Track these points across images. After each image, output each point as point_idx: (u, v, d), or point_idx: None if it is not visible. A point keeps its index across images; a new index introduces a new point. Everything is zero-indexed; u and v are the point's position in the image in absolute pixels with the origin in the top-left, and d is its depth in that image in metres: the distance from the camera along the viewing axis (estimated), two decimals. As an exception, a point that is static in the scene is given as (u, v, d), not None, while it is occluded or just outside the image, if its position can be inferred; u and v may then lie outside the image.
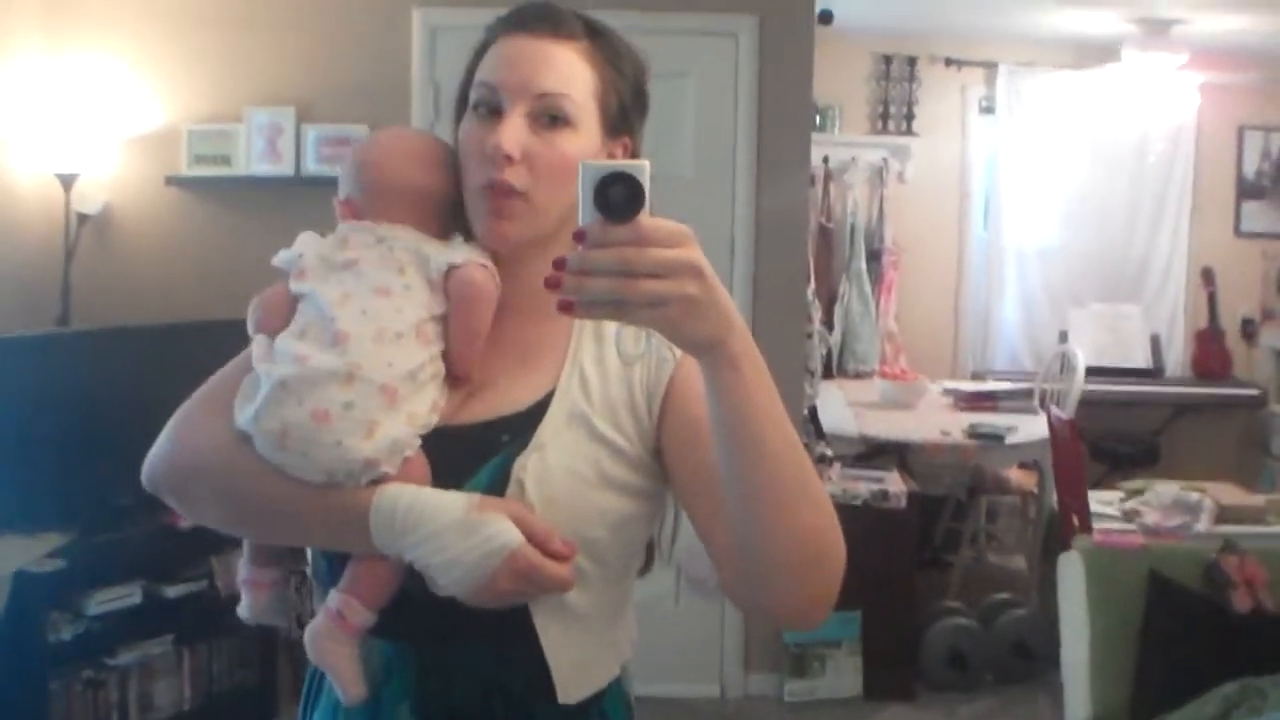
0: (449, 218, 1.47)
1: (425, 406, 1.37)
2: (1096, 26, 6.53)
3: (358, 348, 1.34)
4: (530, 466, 1.35)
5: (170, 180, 4.57)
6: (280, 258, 1.45)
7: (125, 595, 3.96)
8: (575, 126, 1.40)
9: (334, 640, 1.37)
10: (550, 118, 1.39)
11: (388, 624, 1.38)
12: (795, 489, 1.21)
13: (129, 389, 4.13)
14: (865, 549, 4.55)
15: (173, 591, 4.10)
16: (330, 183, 4.32)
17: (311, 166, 4.54)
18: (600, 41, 1.45)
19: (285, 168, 4.54)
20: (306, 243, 1.46)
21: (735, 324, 1.13)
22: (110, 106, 4.49)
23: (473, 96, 1.42)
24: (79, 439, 4.01)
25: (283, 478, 1.34)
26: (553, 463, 1.36)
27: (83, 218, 4.47)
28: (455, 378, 1.42)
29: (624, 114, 1.47)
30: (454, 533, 1.28)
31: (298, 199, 4.47)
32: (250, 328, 1.45)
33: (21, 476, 3.90)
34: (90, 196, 4.47)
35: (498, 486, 1.35)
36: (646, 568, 1.55)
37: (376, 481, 1.33)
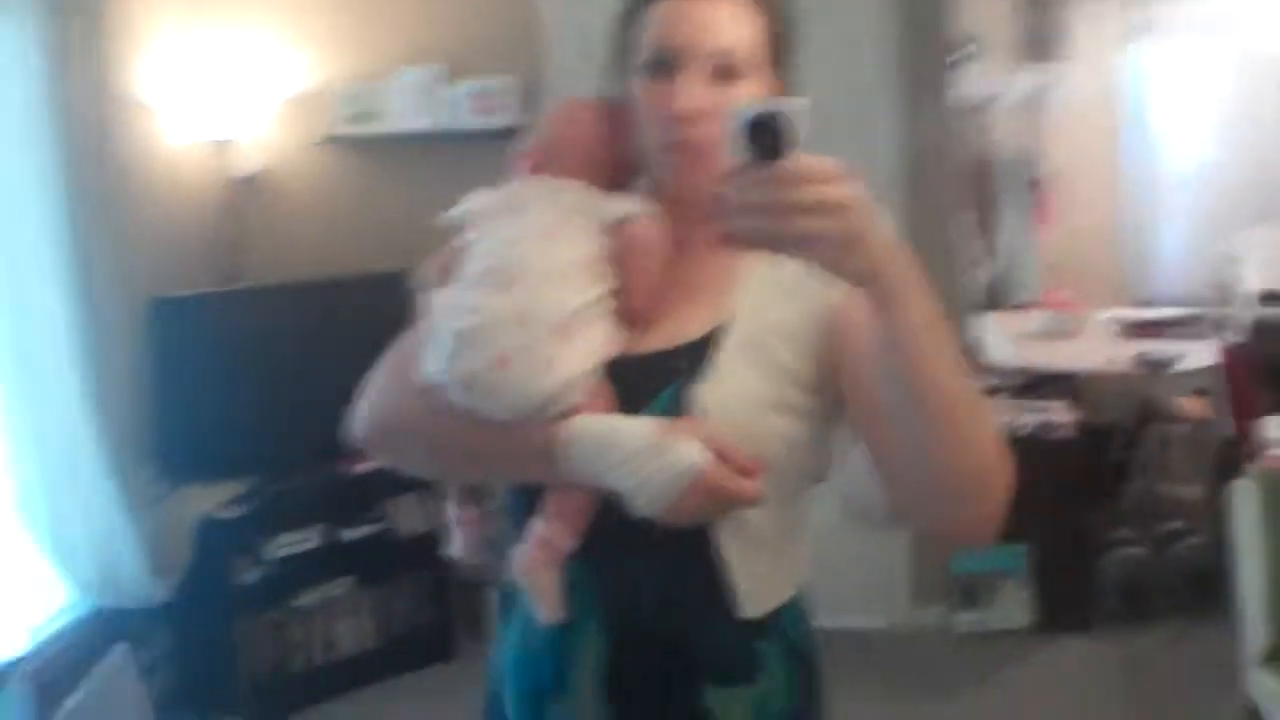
0: (619, 185, 1.54)
1: (600, 339, 1.42)
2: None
3: (528, 288, 1.40)
4: (707, 392, 1.40)
5: (324, 140, 4.67)
6: (449, 215, 1.52)
7: (304, 540, 4.12)
8: (747, 76, 1.46)
9: (541, 565, 1.43)
10: (724, 73, 1.45)
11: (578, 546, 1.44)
12: (960, 416, 1.23)
13: (297, 341, 4.28)
14: (1031, 481, 4.48)
15: (350, 535, 4.25)
16: (480, 135, 4.41)
17: (461, 120, 4.59)
18: None
19: (435, 122, 4.60)
20: (476, 197, 1.53)
21: (893, 257, 1.15)
22: (261, 71, 4.61)
23: (645, 56, 1.48)
24: (252, 391, 4.16)
25: (477, 421, 1.41)
26: (729, 388, 1.40)
27: (242, 179, 4.59)
28: (631, 321, 1.46)
29: (786, 52, 1.53)
30: (645, 455, 1.33)
31: (448, 153, 4.55)
32: (428, 286, 1.52)
33: (201, 429, 4.07)
34: (248, 158, 4.59)
35: (675, 412, 1.40)
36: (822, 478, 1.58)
37: (566, 414, 1.39)
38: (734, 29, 1.46)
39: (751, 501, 1.36)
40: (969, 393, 1.25)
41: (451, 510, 1.65)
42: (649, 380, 1.43)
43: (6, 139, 3.45)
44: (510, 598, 1.55)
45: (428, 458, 1.53)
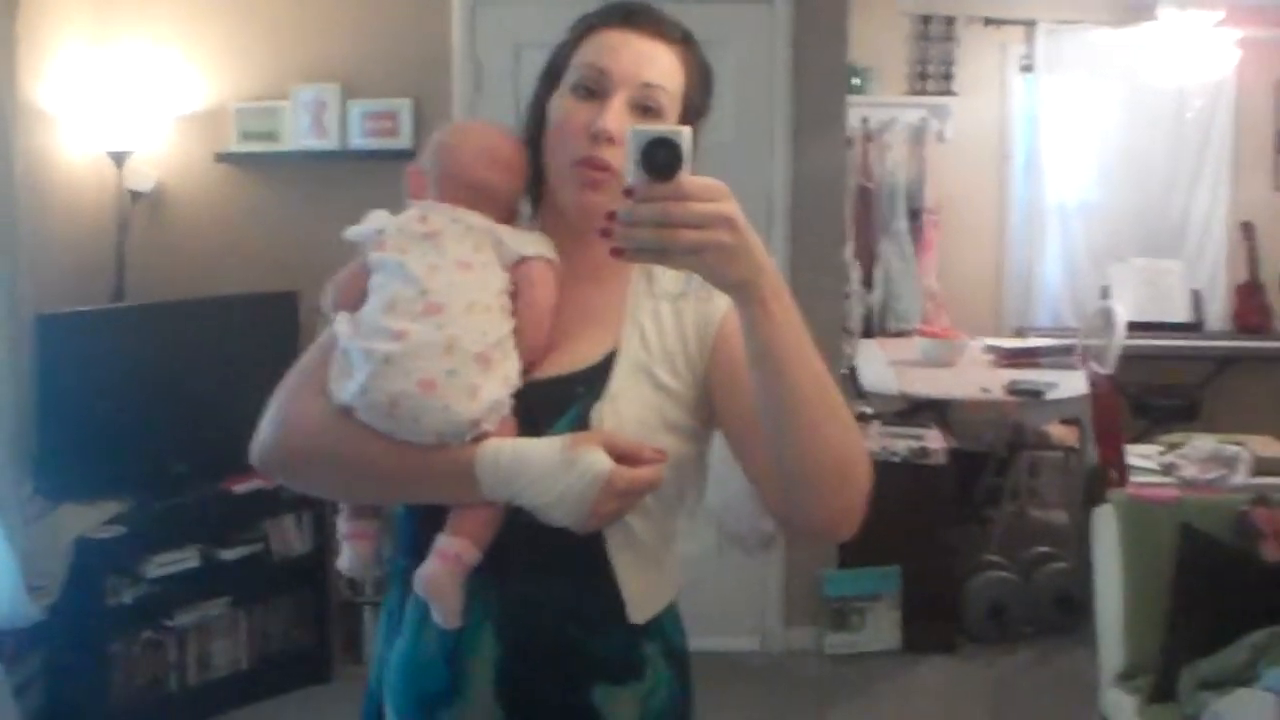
0: (510, 213, 1.62)
1: (514, 369, 1.52)
2: (1133, -17, 6.51)
3: (452, 319, 1.48)
4: (605, 414, 1.51)
5: (220, 157, 4.68)
6: (354, 231, 1.59)
7: (182, 559, 4.10)
8: (665, 117, 1.56)
9: (447, 578, 1.50)
10: (645, 107, 1.55)
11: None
12: (823, 412, 1.36)
13: (182, 361, 4.27)
14: (904, 505, 4.71)
15: (229, 555, 4.23)
16: (374, 156, 4.46)
17: (356, 141, 4.63)
18: (691, 46, 1.63)
19: (331, 143, 4.64)
20: (383, 218, 1.59)
21: (766, 268, 1.29)
22: (160, 86, 4.60)
23: (574, 76, 1.57)
24: (135, 410, 4.14)
25: (391, 444, 1.48)
26: (623, 410, 1.52)
27: (135, 195, 4.58)
28: (525, 354, 1.55)
29: (696, 111, 1.63)
30: (557, 471, 1.43)
31: (343, 173, 4.57)
32: (328, 307, 1.60)
33: (81, 447, 4.04)
34: (142, 174, 4.58)
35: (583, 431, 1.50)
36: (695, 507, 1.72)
37: (480, 438, 1.47)
38: (667, 69, 1.57)
39: (655, 488, 1.48)
40: (832, 392, 1.37)
41: (343, 525, 1.68)
42: (552, 404, 1.52)
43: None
44: (396, 611, 1.62)
45: (335, 480, 1.58)
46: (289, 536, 4.37)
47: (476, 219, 1.56)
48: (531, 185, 1.65)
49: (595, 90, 1.55)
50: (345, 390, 1.49)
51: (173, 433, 4.21)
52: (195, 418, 4.20)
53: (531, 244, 1.57)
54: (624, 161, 1.46)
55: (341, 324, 1.53)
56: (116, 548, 3.95)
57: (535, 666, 1.53)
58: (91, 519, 3.95)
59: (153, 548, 4.04)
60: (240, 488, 4.22)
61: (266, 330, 4.28)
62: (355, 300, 1.55)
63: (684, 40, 1.62)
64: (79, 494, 4.00)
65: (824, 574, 4.77)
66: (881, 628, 4.77)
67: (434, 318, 1.48)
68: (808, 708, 4.40)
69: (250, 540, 4.30)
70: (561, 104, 1.58)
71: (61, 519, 3.90)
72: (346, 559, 1.68)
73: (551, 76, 1.62)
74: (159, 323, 4.30)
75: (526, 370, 1.54)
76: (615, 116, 1.52)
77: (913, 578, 4.78)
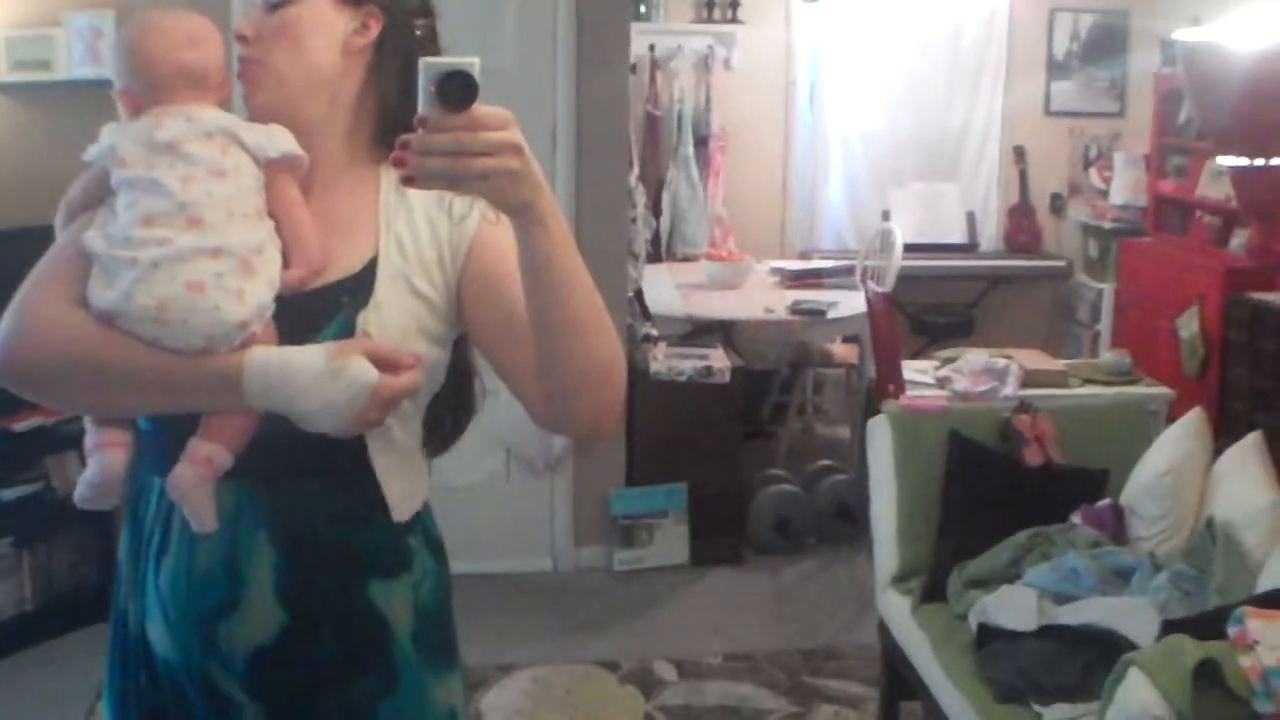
0: (226, 90, 1.62)
1: (276, 273, 1.53)
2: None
3: (214, 228, 1.48)
4: (370, 321, 1.55)
5: (-10, 86, 4.48)
6: (92, 152, 1.55)
7: (-41, 499, 3.97)
8: (299, 2, 1.59)
9: (197, 481, 1.51)
10: (271, 5, 1.59)
11: (240, 467, 1.54)
12: (591, 321, 1.46)
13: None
14: (690, 423, 4.83)
15: (8, 494, 4.11)
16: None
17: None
18: None
19: (106, 70, 4.46)
20: (114, 132, 1.55)
21: (543, 188, 1.36)
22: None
23: None
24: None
25: (155, 351, 1.48)
26: (386, 318, 1.55)
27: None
28: (306, 276, 1.56)
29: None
30: (324, 380, 1.46)
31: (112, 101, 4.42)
32: (62, 218, 1.58)
33: None
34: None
35: (344, 340, 1.53)
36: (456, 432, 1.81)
37: (245, 344, 1.49)
38: None
39: (413, 393, 1.55)
40: (599, 303, 1.47)
41: (92, 436, 1.63)
42: (318, 312, 1.55)
43: None
44: (156, 530, 1.60)
45: (89, 390, 1.53)
46: (71, 473, 4.22)
47: (210, 115, 1.55)
48: None
49: None
50: (105, 298, 1.47)
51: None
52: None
53: (274, 139, 1.57)
54: (269, 56, 1.57)
55: (94, 238, 1.50)
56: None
57: (312, 567, 1.57)
58: None
59: (-73, 488, 3.91)
60: (20, 426, 4.09)
61: (36, 262, 4.13)
62: (98, 211, 1.54)
63: None
64: None
65: (612, 493, 4.85)
66: (670, 544, 4.88)
67: (197, 229, 1.48)
68: (599, 624, 4.49)
69: (31, 479, 4.18)
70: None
71: None
72: (91, 477, 1.62)
73: None
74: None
75: (303, 285, 1.55)
76: (248, 20, 1.60)
77: (700, 494, 4.89)
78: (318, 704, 1.60)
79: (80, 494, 1.64)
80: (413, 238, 1.60)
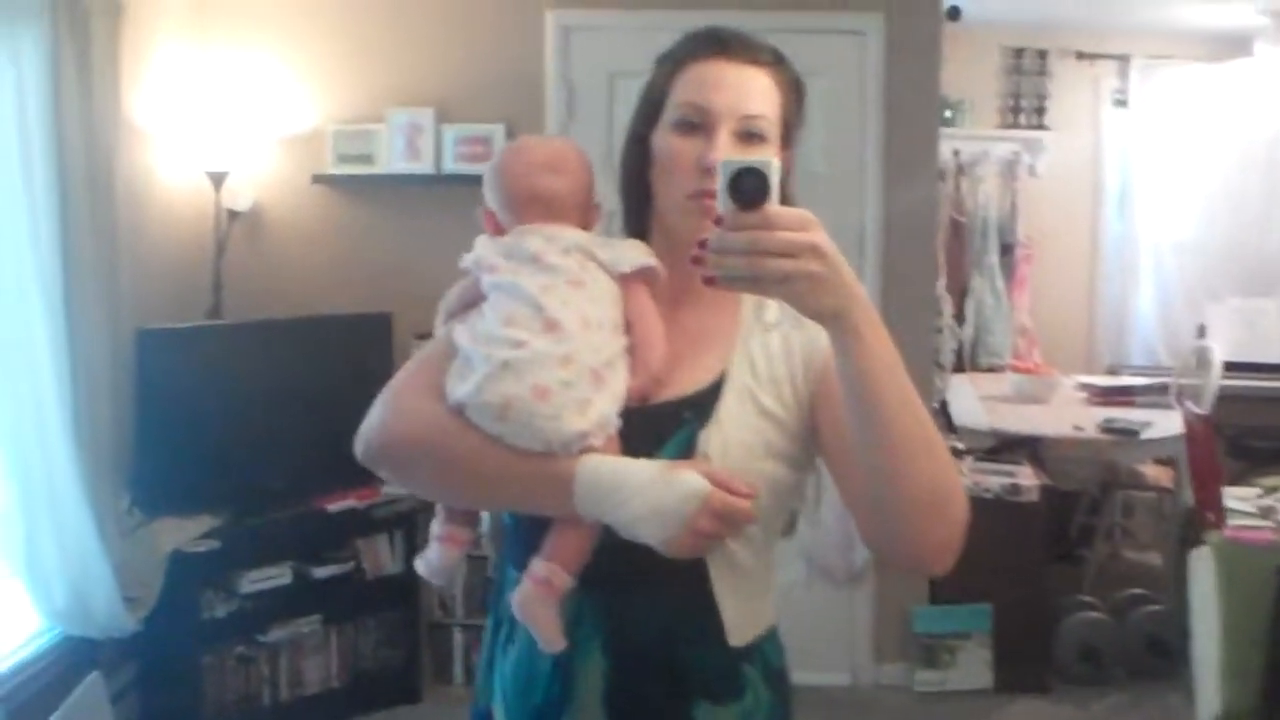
0: (585, 213, 1.65)
1: (623, 387, 1.54)
2: (1229, 19, 6.45)
3: (569, 335, 1.51)
4: (713, 440, 1.54)
5: (316, 178, 4.73)
6: (466, 259, 1.63)
7: (276, 575, 4.14)
8: (768, 141, 1.59)
9: (540, 603, 1.53)
10: (748, 134, 1.58)
11: (582, 576, 1.55)
12: (916, 442, 1.36)
13: (277, 379, 4.32)
14: (995, 542, 4.64)
15: (321, 572, 4.27)
16: (467, 180, 4.50)
17: (449, 165, 4.67)
18: (783, 67, 1.65)
19: (425, 166, 4.68)
20: (485, 244, 1.63)
21: (858, 297, 1.30)
22: (258, 106, 4.67)
23: (676, 114, 1.60)
24: (231, 426, 4.19)
25: (497, 447, 1.51)
26: (730, 436, 1.54)
27: (233, 214, 4.65)
28: (646, 384, 1.57)
29: (794, 128, 1.66)
30: (655, 486, 1.46)
31: (436, 197, 4.62)
32: (441, 319, 1.65)
33: (178, 462, 4.10)
34: (240, 194, 4.65)
35: (684, 458, 1.52)
36: (790, 530, 1.76)
37: (584, 452, 1.50)
38: (765, 96, 1.60)
39: (749, 520, 1.50)
40: (926, 424, 1.38)
41: (437, 526, 1.70)
42: (660, 427, 1.55)
43: (2, 162, 3.44)
44: (507, 620, 1.65)
45: (438, 476, 1.60)
46: (381, 556, 4.40)
47: (568, 234, 1.60)
48: (634, 214, 1.69)
49: (699, 125, 1.58)
50: (460, 390, 1.53)
51: (267, 450, 4.26)
52: (290, 436, 4.26)
53: (629, 253, 1.60)
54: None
55: (461, 332, 1.57)
56: (211, 562, 3.99)
57: (640, 680, 1.57)
58: (187, 533, 4.00)
59: (246, 563, 4.08)
60: (333, 506, 4.27)
61: (360, 350, 4.34)
62: (470, 314, 1.60)
63: (776, 62, 1.64)
64: (175, 508, 4.05)
65: (914, 610, 4.73)
66: (972, 666, 4.70)
67: (552, 334, 1.51)
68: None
69: (342, 559, 4.33)
70: (667, 141, 1.61)
71: (157, 532, 3.95)
72: (430, 559, 1.69)
73: (650, 111, 1.65)
74: (256, 340, 4.35)
75: (645, 397, 1.56)
76: (721, 151, 1.54)
77: (1004, 616, 4.71)
78: None
79: (419, 566, 1.72)
80: (765, 356, 1.60)
